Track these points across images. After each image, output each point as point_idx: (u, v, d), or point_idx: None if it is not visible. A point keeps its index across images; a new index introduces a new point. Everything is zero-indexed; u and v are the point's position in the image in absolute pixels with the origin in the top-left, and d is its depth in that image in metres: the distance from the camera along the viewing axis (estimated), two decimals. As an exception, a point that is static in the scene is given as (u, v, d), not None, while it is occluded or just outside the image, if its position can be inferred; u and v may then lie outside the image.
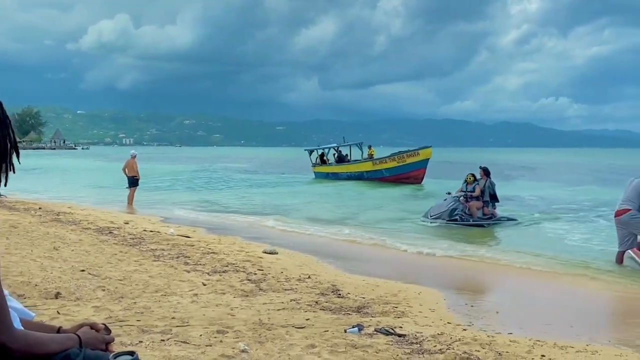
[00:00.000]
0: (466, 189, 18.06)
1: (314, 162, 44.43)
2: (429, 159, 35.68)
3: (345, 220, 19.51)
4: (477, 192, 17.76)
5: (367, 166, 38.33)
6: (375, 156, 39.29)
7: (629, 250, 11.69)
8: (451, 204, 17.56)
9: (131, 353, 2.20)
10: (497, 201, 18.33)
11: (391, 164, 36.61)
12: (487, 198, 17.86)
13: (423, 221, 17.86)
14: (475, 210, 17.47)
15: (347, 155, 42.32)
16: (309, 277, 9.55)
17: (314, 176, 43.53)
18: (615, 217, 11.71)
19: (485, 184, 17.92)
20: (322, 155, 43.99)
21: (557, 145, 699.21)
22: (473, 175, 18.22)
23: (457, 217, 17.17)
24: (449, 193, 18.51)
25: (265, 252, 11.94)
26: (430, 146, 36.26)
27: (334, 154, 42.94)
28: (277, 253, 11.97)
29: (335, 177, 40.44)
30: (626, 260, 11.72)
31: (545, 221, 19.14)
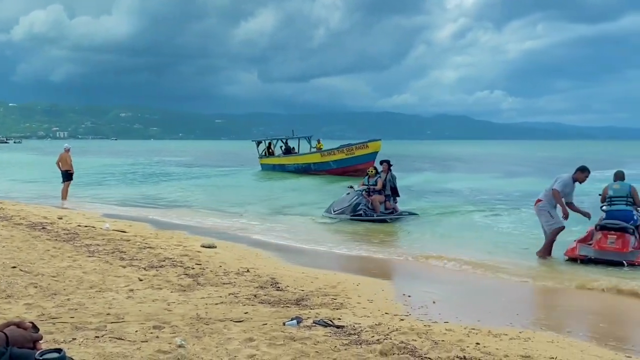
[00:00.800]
0: (368, 182, 17.83)
1: (261, 153, 44.14)
2: (377, 152, 35.47)
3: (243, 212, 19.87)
4: (379, 185, 17.58)
5: (315, 158, 38.21)
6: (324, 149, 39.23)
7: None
8: (354, 198, 17.19)
9: (58, 350, 2.14)
10: (398, 195, 18.35)
11: (339, 156, 36.47)
12: (388, 192, 17.82)
13: (327, 217, 17.35)
14: (378, 204, 17.27)
15: (294, 148, 42.15)
16: (248, 270, 9.51)
17: (260, 168, 43.32)
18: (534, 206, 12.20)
19: (386, 178, 17.85)
20: (269, 147, 43.73)
21: (492, 137, 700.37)
22: (375, 168, 18.16)
23: (361, 212, 16.87)
24: (351, 187, 18.23)
25: (203, 246, 11.83)
26: (380, 139, 36.43)
27: (281, 146, 42.79)
28: (215, 247, 11.87)
29: (282, 169, 40.25)
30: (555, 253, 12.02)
31: (474, 212, 19.57)
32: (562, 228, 11.60)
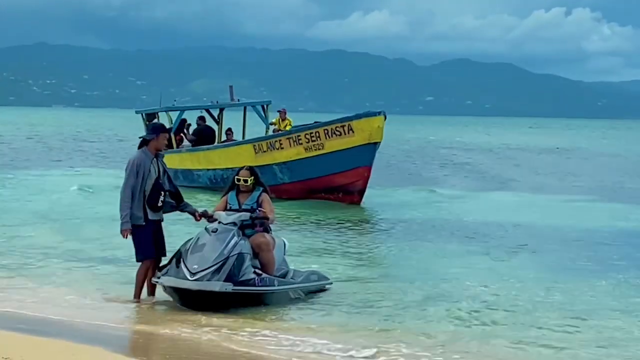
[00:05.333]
0: (239, 202, 15.75)
1: None
2: (377, 143, 31.72)
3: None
4: (268, 208, 15.73)
5: (244, 156, 32.68)
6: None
7: None
8: (231, 243, 14.99)
9: None
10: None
11: (292, 153, 32.89)
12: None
13: (172, 284, 14.80)
14: (272, 256, 15.45)
15: (230, 130, 39.32)
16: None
17: None
18: None
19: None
20: (181, 127, 39.57)
21: (569, 112, 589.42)
22: (251, 170, 16.11)
23: (253, 278, 14.89)
24: (210, 217, 15.63)
25: None
26: (381, 112, 32.24)
27: (196, 125, 39.62)
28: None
29: (189, 179, 36.48)
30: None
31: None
32: None
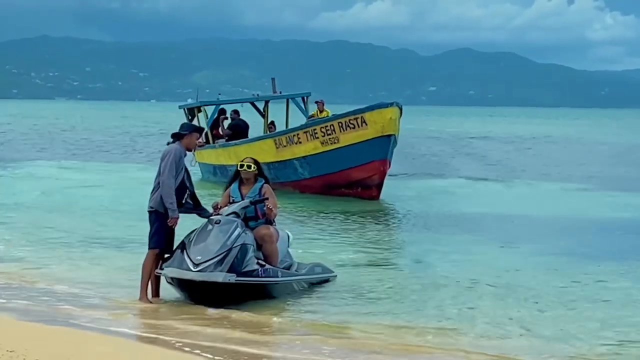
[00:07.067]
0: (241, 194, 15.43)
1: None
2: (392, 136, 30.79)
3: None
4: (271, 201, 15.39)
5: (266, 152, 32.33)
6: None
7: None
8: (233, 235, 14.71)
9: None
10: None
11: (309, 147, 32.09)
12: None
13: (174, 275, 14.60)
14: (275, 248, 15.26)
15: (272, 124, 38.71)
16: None
17: (200, 175, 38.23)
18: None
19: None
20: (216, 121, 38.16)
21: (572, 101, 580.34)
22: (254, 161, 15.72)
23: (256, 269, 14.75)
24: (216, 208, 15.34)
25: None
26: (395, 104, 31.48)
27: (229, 117, 37.78)
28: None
29: (225, 175, 32.69)
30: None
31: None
32: None
